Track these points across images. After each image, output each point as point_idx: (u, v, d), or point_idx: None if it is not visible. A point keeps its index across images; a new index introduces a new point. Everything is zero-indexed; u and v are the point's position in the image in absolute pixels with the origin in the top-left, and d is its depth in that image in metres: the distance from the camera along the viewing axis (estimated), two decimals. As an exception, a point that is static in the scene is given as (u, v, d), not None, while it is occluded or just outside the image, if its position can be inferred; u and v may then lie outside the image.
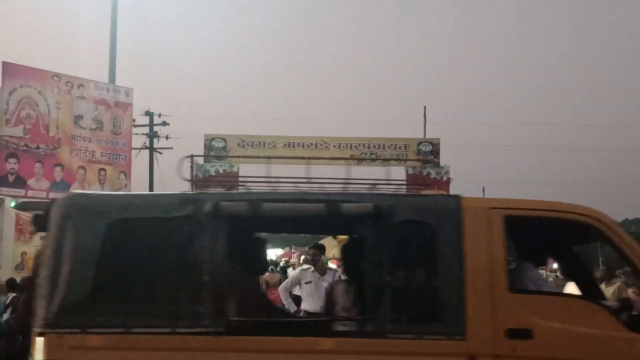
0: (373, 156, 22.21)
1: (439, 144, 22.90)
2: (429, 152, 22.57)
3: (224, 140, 22.31)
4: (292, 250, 26.57)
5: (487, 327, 5.06)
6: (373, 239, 5.18)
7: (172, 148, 35.41)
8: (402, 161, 22.44)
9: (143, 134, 34.43)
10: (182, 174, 5.61)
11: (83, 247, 5.15)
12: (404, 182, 6.73)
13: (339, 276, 11.50)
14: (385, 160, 21.69)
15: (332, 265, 16.17)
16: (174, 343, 5.02)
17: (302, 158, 21.56)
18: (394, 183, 5.95)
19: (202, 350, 5.03)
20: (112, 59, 22.53)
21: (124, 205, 5.35)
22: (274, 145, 22.38)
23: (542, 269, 5.92)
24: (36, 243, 16.35)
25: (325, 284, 10.25)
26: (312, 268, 10.48)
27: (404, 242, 5.23)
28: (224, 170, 22.06)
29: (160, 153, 34.91)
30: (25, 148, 18.70)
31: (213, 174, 22.03)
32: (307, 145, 22.40)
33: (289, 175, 5.79)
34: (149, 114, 34.54)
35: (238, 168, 22.22)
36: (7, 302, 11.26)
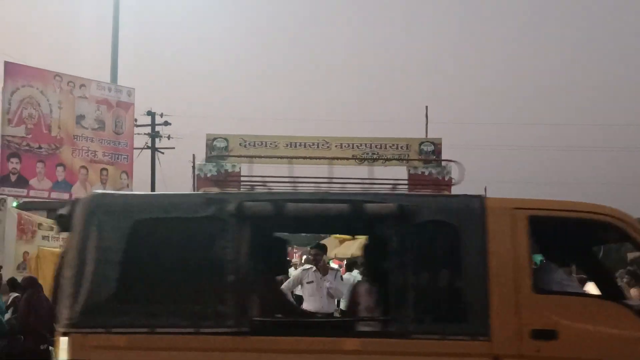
0: (375, 156, 22.20)
1: (440, 144, 22.88)
2: (431, 152, 22.55)
3: (226, 140, 22.30)
4: (294, 250, 26.61)
5: (511, 327, 5.05)
6: (397, 240, 5.16)
7: (173, 148, 35.49)
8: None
9: (145, 133, 34.46)
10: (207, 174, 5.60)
11: (107, 247, 5.14)
12: (426, 183, 6.75)
13: (340, 276, 11.51)
14: (387, 159, 21.68)
15: (333, 265, 16.16)
16: (197, 343, 5.02)
17: (304, 158, 21.61)
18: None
19: (226, 350, 5.03)
20: (114, 59, 22.53)
21: (148, 205, 5.36)
22: (276, 145, 22.36)
23: (566, 269, 5.91)
24: (38, 243, 16.34)
25: (327, 284, 10.24)
26: (314, 268, 10.47)
27: (428, 243, 5.22)
28: (226, 171, 22.07)
29: (162, 153, 34.95)
30: (27, 148, 18.71)
31: (215, 173, 22.03)
32: (309, 145, 22.39)
33: (309, 176, 5.79)
34: (150, 113, 34.58)
35: (240, 168, 22.22)
36: (9, 302, 11.26)
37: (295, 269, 15.39)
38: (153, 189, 34.39)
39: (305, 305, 10.27)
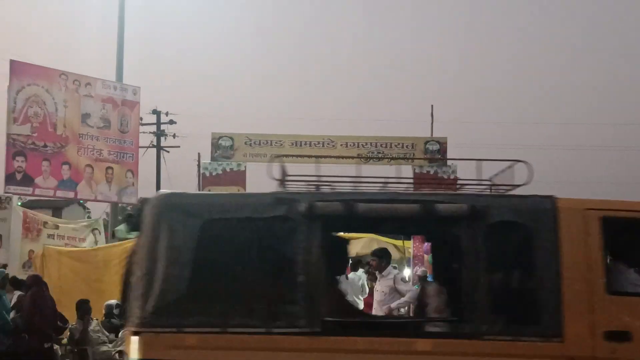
0: (380, 155, 22.18)
1: (446, 143, 22.86)
2: (436, 151, 22.53)
3: (231, 138, 22.30)
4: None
5: (585, 329, 5.02)
6: (468, 240, 5.13)
7: (179, 147, 35.46)
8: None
9: (150, 132, 34.45)
10: (272, 174, 5.58)
11: (177, 247, 5.15)
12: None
13: (346, 275, 11.46)
14: (393, 159, 21.65)
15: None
16: (269, 343, 5.03)
17: (310, 157, 21.60)
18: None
19: (297, 350, 5.03)
20: (120, 58, 22.53)
21: (217, 205, 5.36)
22: (281, 144, 22.36)
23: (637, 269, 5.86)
24: (43, 241, 16.35)
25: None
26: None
27: (500, 243, 5.19)
28: (231, 169, 22.06)
29: (168, 152, 34.94)
30: (32, 146, 18.71)
31: (220, 172, 22.02)
32: (315, 144, 22.37)
33: (371, 176, 5.79)
34: (156, 112, 34.56)
35: (245, 167, 22.21)
36: (14, 301, 11.25)
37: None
38: (158, 187, 34.39)
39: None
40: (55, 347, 11.03)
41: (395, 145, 22.53)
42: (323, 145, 22.35)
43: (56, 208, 36.02)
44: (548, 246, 5.12)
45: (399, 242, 18.87)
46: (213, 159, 22.29)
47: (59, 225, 17.77)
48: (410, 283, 15.44)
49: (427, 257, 19.87)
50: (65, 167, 19.45)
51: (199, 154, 35.75)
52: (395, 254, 17.56)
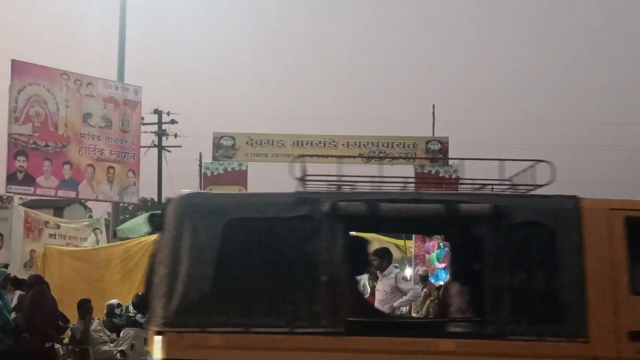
0: (382, 155, 22.16)
1: (447, 143, 22.85)
2: (438, 151, 22.51)
3: (233, 138, 22.30)
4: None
5: (609, 329, 5.01)
6: (491, 240, 5.13)
7: (180, 146, 35.50)
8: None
9: (152, 132, 34.49)
10: (295, 173, 5.58)
11: (200, 247, 5.17)
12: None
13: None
14: (394, 158, 21.64)
15: None
16: (292, 343, 5.04)
17: (311, 156, 21.58)
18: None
19: (320, 350, 5.04)
20: (121, 57, 22.52)
21: (240, 204, 5.36)
22: (283, 144, 22.35)
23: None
24: (45, 241, 16.34)
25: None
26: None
27: (523, 244, 5.18)
28: (233, 169, 22.06)
29: (169, 151, 34.97)
30: (34, 146, 18.70)
31: (222, 172, 22.02)
32: (316, 144, 22.37)
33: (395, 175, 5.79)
34: (157, 112, 34.61)
35: (247, 166, 22.20)
36: (15, 300, 11.25)
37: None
38: (160, 187, 34.47)
39: None
40: (57, 346, 11.03)
41: (397, 145, 22.52)
42: (325, 145, 22.33)
43: (57, 208, 36.02)
44: (572, 246, 5.11)
45: (400, 242, 18.90)
46: (214, 158, 22.29)
47: (61, 224, 17.77)
48: (412, 282, 15.44)
49: (428, 257, 19.91)
50: (67, 166, 19.44)
51: (200, 153, 35.78)
52: (396, 254, 17.58)
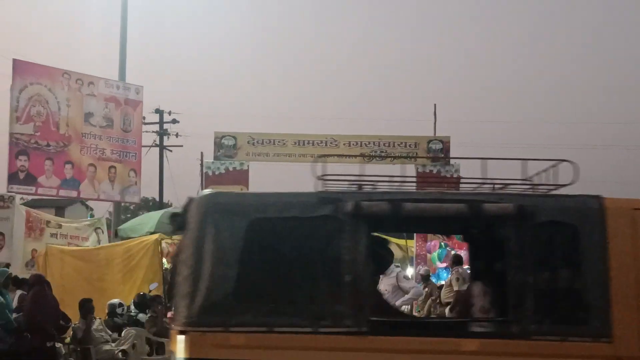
0: (383, 154, 22.18)
1: (449, 142, 22.87)
2: (439, 150, 22.52)
3: (234, 138, 22.31)
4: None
5: (634, 329, 4.99)
6: (515, 240, 5.11)
7: (182, 146, 35.50)
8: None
9: (153, 131, 34.49)
10: (316, 172, 5.58)
11: (223, 246, 5.15)
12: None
13: None
14: (396, 157, 21.64)
15: None
16: (316, 343, 5.02)
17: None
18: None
19: (344, 350, 5.02)
20: (122, 57, 22.52)
21: (263, 204, 5.33)
22: (284, 143, 22.37)
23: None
24: (46, 240, 16.35)
25: None
26: None
27: (547, 243, 5.16)
28: (234, 168, 22.07)
29: (170, 151, 34.97)
30: (35, 145, 18.72)
31: (223, 171, 22.03)
32: (317, 143, 22.38)
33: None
34: (159, 111, 34.60)
35: (248, 166, 22.21)
36: (16, 300, 11.25)
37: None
38: (161, 186, 34.46)
39: None
40: (58, 345, 11.03)
41: (398, 145, 22.54)
42: (326, 145, 22.35)
43: (59, 207, 36.05)
44: (596, 246, 5.09)
45: (401, 241, 18.88)
46: (216, 158, 22.30)
47: (62, 224, 17.78)
48: (413, 280, 15.45)
49: (430, 257, 19.91)
50: (68, 166, 19.45)
51: (201, 153, 35.81)
52: (397, 253, 17.57)
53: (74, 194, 20.31)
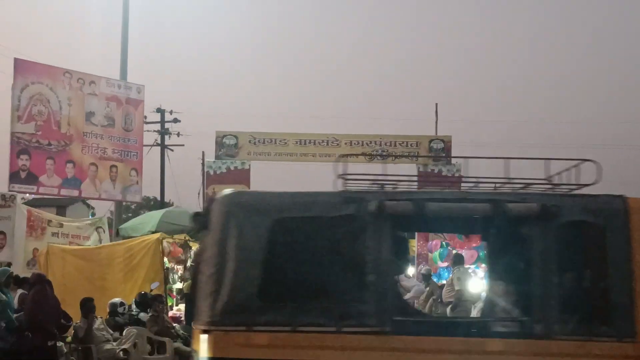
0: (385, 153, 22.16)
1: (450, 142, 22.84)
2: (441, 150, 22.50)
3: (235, 137, 22.30)
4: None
5: None
6: (539, 240, 5.11)
7: (183, 145, 35.49)
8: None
9: (154, 131, 34.47)
10: (343, 171, 5.56)
11: (247, 246, 5.16)
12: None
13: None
14: (397, 157, 21.63)
15: None
16: (339, 342, 5.03)
17: (314, 155, 21.47)
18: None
19: (368, 349, 5.02)
20: (124, 56, 22.50)
21: (286, 203, 5.35)
22: (285, 143, 22.36)
23: None
24: (48, 239, 16.35)
25: None
26: None
27: (571, 243, 5.16)
28: (235, 168, 22.06)
29: (172, 150, 34.96)
30: (36, 145, 18.71)
31: (224, 171, 22.02)
32: (319, 143, 22.37)
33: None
34: (160, 111, 34.58)
35: (249, 165, 22.20)
36: (17, 299, 11.24)
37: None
38: (162, 186, 34.46)
39: None
40: (60, 344, 11.02)
41: (400, 144, 22.52)
42: (327, 144, 22.33)
43: (60, 206, 36.06)
44: (620, 246, 5.08)
45: (403, 241, 18.85)
46: (217, 157, 22.29)
47: (63, 223, 17.79)
48: (415, 279, 15.43)
49: (431, 256, 19.91)
50: (70, 165, 19.44)
51: (203, 152, 35.75)
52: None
53: (75, 193, 20.31)
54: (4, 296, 10.23)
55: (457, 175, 21.23)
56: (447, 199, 5.29)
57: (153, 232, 15.06)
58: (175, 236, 14.88)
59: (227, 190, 5.57)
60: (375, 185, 5.66)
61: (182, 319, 14.13)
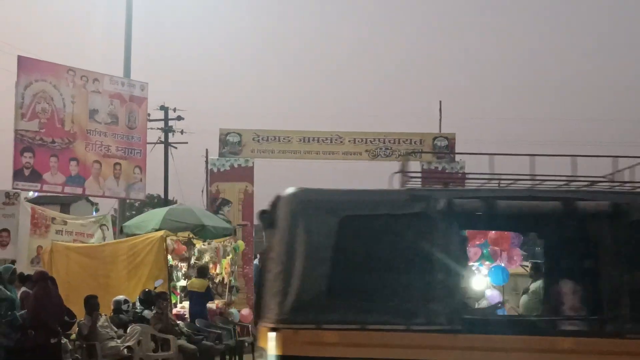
0: (388, 151, 22.12)
1: (454, 139, 22.79)
2: (445, 147, 22.44)
3: (239, 134, 22.26)
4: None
5: None
6: (609, 238, 5.08)
7: (187, 143, 35.52)
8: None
9: (158, 128, 34.50)
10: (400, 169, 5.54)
11: (314, 244, 5.14)
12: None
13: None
14: (401, 155, 21.58)
15: None
16: (408, 340, 5.01)
17: (317, 152, 21.45)
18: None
19: (438, 348, 5.00)
20: (127, 54, 22.51)
21: (353, 201, 5.33)
22: (289, 140, 22.32)
23: None
24: (52, 237, 16.37)
25: None
26: None
27: None
28: (239, 165, 22.05)
29: (175, 148, 34.99)
30: (40, 142, 18.70)
31: (228, 168, 22.00)
32: (322, 140, 22.33)
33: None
34: (164, 108, 34.61)
35: (253, 163, 22.19)
36: (19, 297, 11.25)
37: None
38: (166, 183, 34.49)
39: None
40: (64, 341, 11.03)
41: (404, 141, 22.47)
42: (331, 141, 22.30)
43: (64, 204, 36.12)
44: None
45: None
46: (221, 155, 22.27)
47: (67, 221, 17.81)
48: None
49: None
50: (73, 163, 19.44)
51: (206, 149, 35.83)
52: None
53: (79, 190, 20.31)
54: (8, 293, 10.25)
55: (461, 173, 21.21)
56: (516, 197, 5.25)
57: (157, 230, 15.06)
58: (179, 234, 14.89)
59: (293, 188, 5.52)
60: (437, 184, 5.63)
61: (186, 316, 14.14)
